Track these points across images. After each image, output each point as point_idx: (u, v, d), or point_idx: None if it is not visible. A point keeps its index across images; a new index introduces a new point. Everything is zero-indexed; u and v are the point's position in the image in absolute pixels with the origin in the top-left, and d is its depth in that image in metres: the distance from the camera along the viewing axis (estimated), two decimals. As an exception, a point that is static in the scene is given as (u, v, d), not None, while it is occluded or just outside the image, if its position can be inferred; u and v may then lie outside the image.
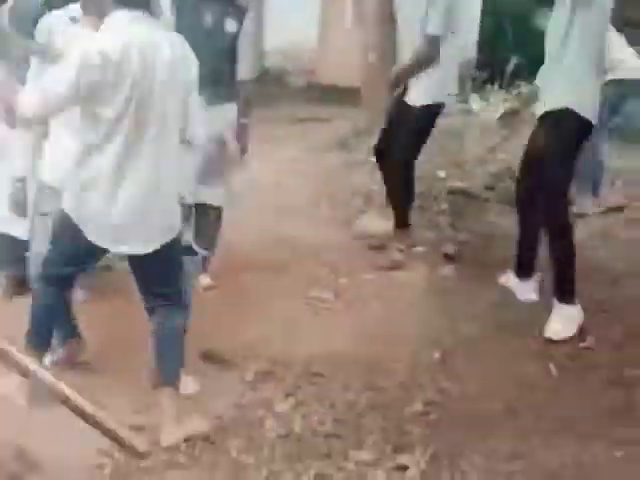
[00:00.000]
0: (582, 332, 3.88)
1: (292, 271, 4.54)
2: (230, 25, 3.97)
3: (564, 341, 3.91)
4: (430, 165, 6.55)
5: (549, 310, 3.97)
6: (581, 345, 3.82)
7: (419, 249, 4.86)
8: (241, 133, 4.07)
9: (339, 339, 3.83)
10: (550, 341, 3.89)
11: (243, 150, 4.11)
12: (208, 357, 3.52)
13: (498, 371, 3.68)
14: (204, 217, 4.09)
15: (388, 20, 6.93)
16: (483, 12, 9.95)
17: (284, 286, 4.32)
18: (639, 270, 4.66)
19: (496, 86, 9.28)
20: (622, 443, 3.08)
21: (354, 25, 7.56)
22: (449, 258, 4.74)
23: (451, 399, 3.42)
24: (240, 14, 4.01)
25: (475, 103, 8.89)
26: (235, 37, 3.98)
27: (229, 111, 4.04)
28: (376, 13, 6.88)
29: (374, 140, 5.04)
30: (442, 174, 6.33)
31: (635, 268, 4.69)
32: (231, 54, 3.96)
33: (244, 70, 4.02)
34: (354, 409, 3.25)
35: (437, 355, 3.76)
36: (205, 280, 4.19)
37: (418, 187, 5.10)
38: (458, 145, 7.32)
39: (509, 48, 9.68)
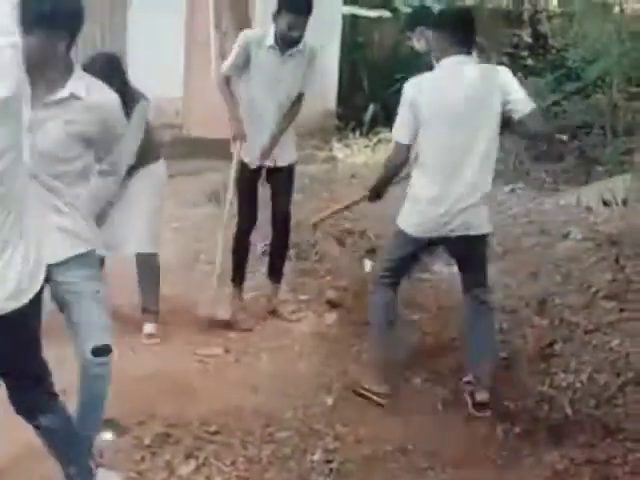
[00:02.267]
0: (464, 368, 4.06)
1: (178, 329, 4.52)
2: None
3: (445, 377, 4.10)
4: (302, 212, 6.70)
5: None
6: (464, 380, 3.99)
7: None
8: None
9: (233, 394, 3.84)
10: (434, 378, 4.07)
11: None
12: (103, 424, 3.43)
13: (387, 412, 3.81)
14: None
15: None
16: (340, 63, 10.30)
17: (172, 345, 4.30)
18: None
19: (357, 133, 9.66)
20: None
21: (218, 75, 7.65)
22: (332, 304, 4.86)
23: (347, 444, 3.50)
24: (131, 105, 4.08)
25: (339, 151, 9.20)
26: None
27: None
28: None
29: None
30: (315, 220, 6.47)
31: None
32: None
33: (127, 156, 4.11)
34: (256, 464, 3.27)
35: (329, 401, 3.85)
36: (151, 329, 4.40)
37: (294, 236, 5.21)
38: (327, 191, 7.53)
39: (366, 97, 10.09)
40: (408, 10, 11.11)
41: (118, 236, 4.32)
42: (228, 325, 4.63)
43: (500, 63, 10.71)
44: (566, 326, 4.48)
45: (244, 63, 4.49)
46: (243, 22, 7.17)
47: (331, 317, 4.73)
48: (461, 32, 3.68)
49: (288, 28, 4.37)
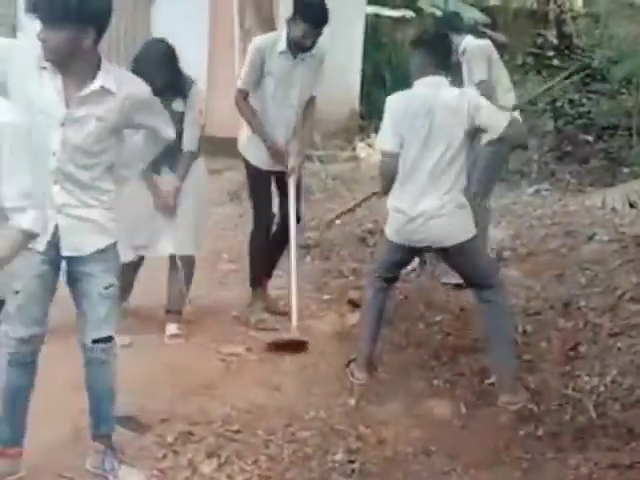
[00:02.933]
0: (487, 370, 4.04)
1: (200, 328, 4.53)
2: (177, 105, 4.16)
3: (468, 378, 4.08)
4: (324, 212, 6.72)
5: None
6: (487, 382, 3.97)
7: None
8: (174, 196, 4.32)
9: (255, 393, 3.84)
10: (457, 380, 4.05)
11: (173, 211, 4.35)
12: (123, 422, 3.44)
13: (410, 413, 3.79)
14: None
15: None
16: (363, 63, 10.29)
17: (195, 344, 4.31)
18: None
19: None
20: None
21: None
22: (354, 305, 4.85)
23: (370, 445, 3.49)
24: (186, 90, 4.20)
25: (362, 150, 9.19)
26: (182, 115, 4.18)
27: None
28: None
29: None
30: (337, 221, 6.48)
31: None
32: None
33: (190, 143, 4.24)
34: (278, 464, 3.26)
35: (352, 401, 3.83)
36: (174, 329, 4.38)
37: (316, 235, 5.22)
38: (349, 190, 7.52)
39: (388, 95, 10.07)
40: (432, 10, 11.09)
41: (157, 236, 4.32)
42: (253, 325, 4.63)
43: (525, 63, 10.75)
44: (591, 329, 4.44)
45: (260, 73, 4.47)
46: (267, 21, 7.17)
47: (353, 317, 4.71)
48: (438, 54, 3.89)
49: (302, 36, 4.40)
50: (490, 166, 5.14)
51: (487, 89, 4.90)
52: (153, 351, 4.14)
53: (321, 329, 4.66)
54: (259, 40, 4.62)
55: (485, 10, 11.97)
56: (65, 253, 2.86)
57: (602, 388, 3.86)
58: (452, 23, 5.42)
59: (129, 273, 4.30)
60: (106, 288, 2.93)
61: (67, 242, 2.85)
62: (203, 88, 5.38)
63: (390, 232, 3.95)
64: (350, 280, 5.34)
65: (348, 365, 4.11)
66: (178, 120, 4.02)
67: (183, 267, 4.41)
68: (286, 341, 4.34)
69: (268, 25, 7.16)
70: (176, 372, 3.95)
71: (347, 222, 6.44)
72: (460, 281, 4.40)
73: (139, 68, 3.84)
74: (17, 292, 2.81)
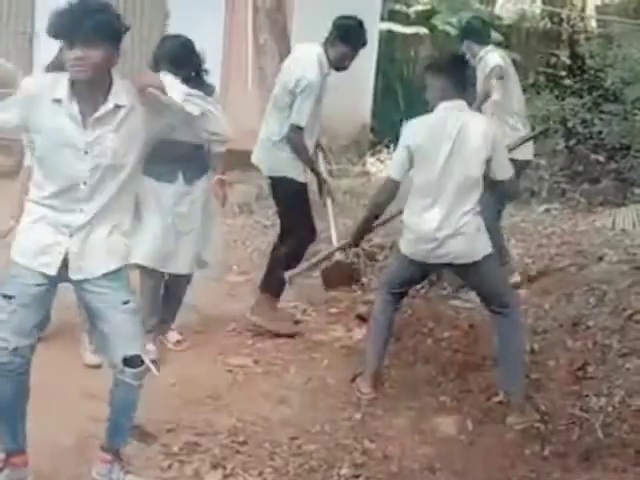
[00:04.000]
0: (495, 387, 4.02)
1: (208, 339, 4.55)
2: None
3: (476, 395, 4.07)
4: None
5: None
6: (494, 399, 3.96)
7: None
8: (221, 187, 4.46)
9: (261, 405, 3.84)
10: (464, 397, 4.04)
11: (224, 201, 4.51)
12: (130, 431, 3.44)
13: (416, 429, 3.78)
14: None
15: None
16: (375, 78, 10.33)
17: (202, 355, 4.32)
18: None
19: (391, 149, 9.66)
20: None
21: (255, 88, 7.70)
22: (362, 319, 4.85)
23: (375, 460, 3.48)
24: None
25: (372, 166, 9.21)
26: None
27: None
28: (277, 77, 7.07)
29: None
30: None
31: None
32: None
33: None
34: (283, 476, 3.26)
35: (358, 416, 3.83)
36: (175, 336, 4.42)
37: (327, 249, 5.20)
38: (359, 206, 7.52)
39: (401, 112, 10.11)
40: (446, 28, 11.14)
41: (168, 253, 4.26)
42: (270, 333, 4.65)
43: (536, 82, 10.75)
44: (599, 349, 4.42)
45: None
46: (281, 36, 7.22)
47: (360, 332, 4.71)
48: (455, 77, 3.88)
49: (342, 59, 4.47)
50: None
51: (500, 73, 4.96)
52: (160, 361, 4.14)
53: (329, 343, 4.67)
54: (313, 75, 4.46)
55: (498, 29, 12.01)
56: (74, 277, 2.85)
57: (610, 409, 3.84)
58: (476, 31, 5.46)
59: None
60: (124, 304, 2.89)
61: (76, 266, 2.83)
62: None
63: (406, 248, 3.93)
64: (358, 294, 5.34)
65: (354, 380, 4.11)
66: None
67: (173, 284, 4.38)
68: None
69: (283, 40, 7.21)
70: (182, 382, 3.96)
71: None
72: (469, 305, 4.45)
73: (158, 63, 3.94)
74: (10, 297, 2.79)
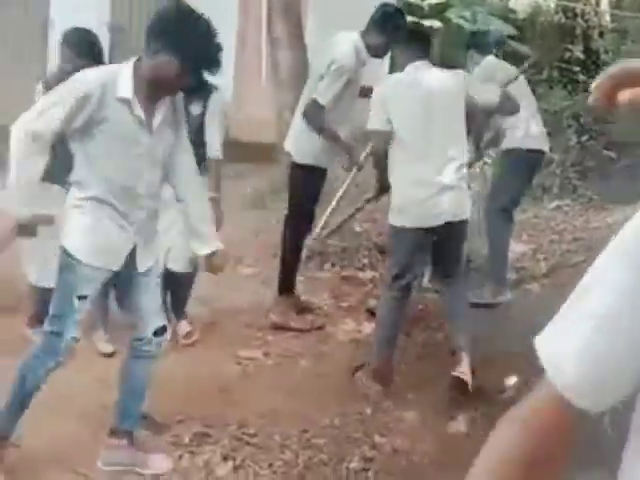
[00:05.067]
0: (504, 382, 4.03)
1: (218, 331, 4.56)
2: (195, 108, 4.11)
3: (486, 391, 4.06)
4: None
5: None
6: (503, 395, 3.96)
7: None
8: (215, 207, 4.16)
9: (271, 397, 3.85)
10: (474, 392, 4.03)
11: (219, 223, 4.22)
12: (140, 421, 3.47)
13: (426, 424, 3.79)
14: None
15: (302, 78, 7.15)
16: (390, 70, 10.27)
17: (212, 347, 4.33)
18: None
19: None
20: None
21: (269, 82, 7.69)
22: (372, 313, 4.85)
23: (384, 454, 3.50)
24: (206, 95, 4.14)
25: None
26: (201, 118, 4.13)
27: None
28: (290, 71, 7.06)
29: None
30: (358, 229, 6.48)
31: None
32: (198, 135, 4.02)
33: (214, 149, 4.14)
34: (293, 469, 3.27)
35: (368, 410, 3.84)
36: (186, 328, 4.41)
37: (339, 242, 5.23)
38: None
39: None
40: (460, 21, 11.08)
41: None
42: (281, 326, 4.67)
43: (550, 77, 10.71)
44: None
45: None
46: (296, 30, 7.21)
47: (370, 326, 4.72)
48: (420, 41, 4.15)
49: (379, 46, 4.49)
50: (516, 176, 5.15)
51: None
52: (170, 353, 4.15)
53: (338, 336, 4.68)
54: (346, 59, 4.44)
55: (512, 22, 11.95)
56: (141, 269, 2.98)
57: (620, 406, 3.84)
58: (477, 42, 5.46)
59: None
60: (157, 283, 3.12)
61: (142, 259, 2.97)
62: (228, 93, 5.44)
63: (403, 217, 3.94)
64: (369, 288, 5.34)
65: (355, 372, 4.11)
66: (193, 124, 3.97)
67: (182, 278, 4.37)
68: None
69: (297, 35, 7.20)
70: (193, 374, 3.97)
71: (367, 229, 6.44)
72: (478, 300, 4.52)
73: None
74: (84, 298, 2.88)
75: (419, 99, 3.91)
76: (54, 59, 4.35)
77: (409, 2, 11.43)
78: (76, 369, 3.68)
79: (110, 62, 4.30)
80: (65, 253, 2.84)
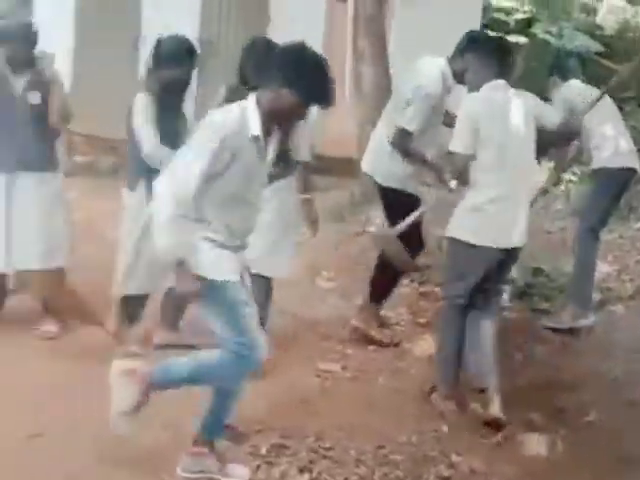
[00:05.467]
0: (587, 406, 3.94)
1: (297, 343, 4.60)
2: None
3: (568, 414, 3.97)
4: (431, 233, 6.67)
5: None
6: (586, 419, 3.87)
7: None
8: (309, 207, 4.44)
9: (349, 411, 3.86)
10: (554, 415, 3.96)
11: (315, 223, 4.53)
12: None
13: (504, 445, 3.73)
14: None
15: (384, 93, 7.16)
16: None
17: (291, 359, 4.37)
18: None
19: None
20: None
21: (352, 97, 7.74)
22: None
23: (461, 473, 3.46)
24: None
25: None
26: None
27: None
28: (374, 87, 7.10)
29: (370, 211, 5.17)
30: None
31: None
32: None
33: (303, 153, 4.22)
34: (369, 484, 3.27)
35: (445, 428, 3.81)
36: None
37: (425, 254, 5.18)
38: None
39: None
40: (546, 37, 10.93)
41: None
42: (362, 333, 4.68)
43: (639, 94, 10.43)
44: None
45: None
46: (379, 46, 7.25)
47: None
48: (500, 60, 4.02)
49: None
50: (605, 195, 5.05)
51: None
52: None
53: (416, 353, 4.65)
54: (432, 85, 4.42)
55: (599, 39, 11.73)
56: None
57: None
58: (559, 66, 5.38)
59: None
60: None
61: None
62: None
63: (478, 235, 3.86)
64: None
65: (431, 392, 4.07)
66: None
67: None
68: None
69: (380, 48, 7.24)
70: (271, 384, 4.00)
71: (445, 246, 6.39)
72: (561, 326, 4.45)
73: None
74: (247, 303, 3.08)
75: (500, 120, 3.87)
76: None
77: (495, 18, 11.36)
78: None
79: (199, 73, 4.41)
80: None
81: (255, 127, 2.94)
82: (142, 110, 3.99)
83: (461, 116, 3.94)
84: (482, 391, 3.95)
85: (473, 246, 3.87)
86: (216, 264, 3.01)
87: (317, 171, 6.68)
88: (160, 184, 2.94)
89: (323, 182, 7.56)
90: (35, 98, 4.32)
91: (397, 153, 4.49)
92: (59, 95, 4.39)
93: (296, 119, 3.05)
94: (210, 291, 2.99)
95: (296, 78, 2.90)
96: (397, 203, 4.62)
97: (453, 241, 3.98)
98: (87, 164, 8.55)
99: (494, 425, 3.81)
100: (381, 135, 4.66)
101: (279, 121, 3.01)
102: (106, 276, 4.26)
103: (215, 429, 3.20)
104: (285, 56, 2.99)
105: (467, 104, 3.98)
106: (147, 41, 8.75)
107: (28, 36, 4.30)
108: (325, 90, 2.95)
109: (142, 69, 4.18)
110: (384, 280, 4.75)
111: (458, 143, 3.90)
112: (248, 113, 2.95)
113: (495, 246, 3.87)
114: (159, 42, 4.11)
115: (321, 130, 8.17)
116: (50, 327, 4.45)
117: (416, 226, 4.58)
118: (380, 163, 4.65)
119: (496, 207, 3.85)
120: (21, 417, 3.50)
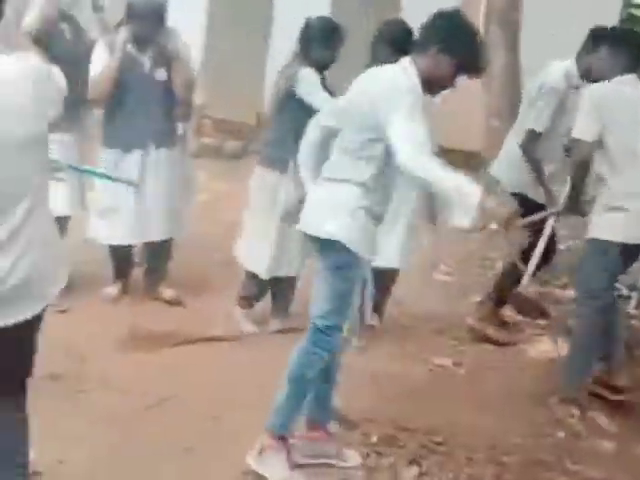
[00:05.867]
0: None
1: (411, 335, 4.56)
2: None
3: None
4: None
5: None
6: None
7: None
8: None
9: (461, 408, 3.80)
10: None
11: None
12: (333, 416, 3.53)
13: (623, 455, 3.58)
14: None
15: (513, 86, 6.99)
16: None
17: (405, 351, 4.34)
18: None
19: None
20: None
21: (480, 89, 7.57)
22: (570, 332, 4.64)
23: (577, 484, 3.35)
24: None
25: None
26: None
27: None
28: (502, 78, 6.94)
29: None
30: (561, 246, 6.24)
31: None
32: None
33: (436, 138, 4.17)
34: (478, 484, 3.21)
35: (561, 434, 3.69)
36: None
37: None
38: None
39: None
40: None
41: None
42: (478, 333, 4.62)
43: None
44: None
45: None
46: (511, 39, 7.11)
47: (566, 347, 4.51)
48: (630, 53, 3.86)
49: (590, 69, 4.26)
50: None
51: None
52: (363, 352, 4.19)
53: (533, 355, 4.53)
54: (556, 81, 4.33)
55: None
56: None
57: None
58: None
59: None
60: None
61: None
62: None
63: (612, 231, 3.72)
64: (568, 307, 5.12)
65: (549, 396, 3.94)
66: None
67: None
68: None
69: (512, 41, 7.07)
70: (383, 375, 3.99)
71: (572, 247, 6.19)
72: None
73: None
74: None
75: (629, 112, 3.73)
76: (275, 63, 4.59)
77: (632, 13, 10.88)
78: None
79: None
80: None
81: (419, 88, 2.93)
82: (317, 81, 4.05)
83: (586, 103, 3.77)
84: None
85: (617, 244, 3.73)
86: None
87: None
88: (410, 157, 2.74)
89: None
90: (161, 75, 4.44)
91: (525, 158, 4.38)
92: (183, 70, 4.48)
93: (447, 86, 3.00)
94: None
95: (457, 45, 2.89)
96: (526, 209, 4.47)
97: (594, 241, 3.83)
98: (214, 147, 8.77)
99: (617, 390, 3.75)
100: (512, 141, 4.54)
101: (431, 87, 2.96)
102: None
103: (324, 411, 3.21)
104: (446, 22, 2.95)
105: (593, 92, 3.81)
106: (278, 27, 8.91)
107: (157, 13, 4.36)
108: (480, 60, 2.97)
109: (270, 59, 4.26)
110: (510, 285, 4.62)
111: (583, 130, 3.74)
112: (414, 78, 2.91)
113: (624, 242, 3.72)
114: (307, 23, 4.17)
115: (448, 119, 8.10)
116: (171, 294, 4.72)
117: (551, 237, 4.49)
118: (505, 166, 4.56)
119: (634, 204, 3.68)
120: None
